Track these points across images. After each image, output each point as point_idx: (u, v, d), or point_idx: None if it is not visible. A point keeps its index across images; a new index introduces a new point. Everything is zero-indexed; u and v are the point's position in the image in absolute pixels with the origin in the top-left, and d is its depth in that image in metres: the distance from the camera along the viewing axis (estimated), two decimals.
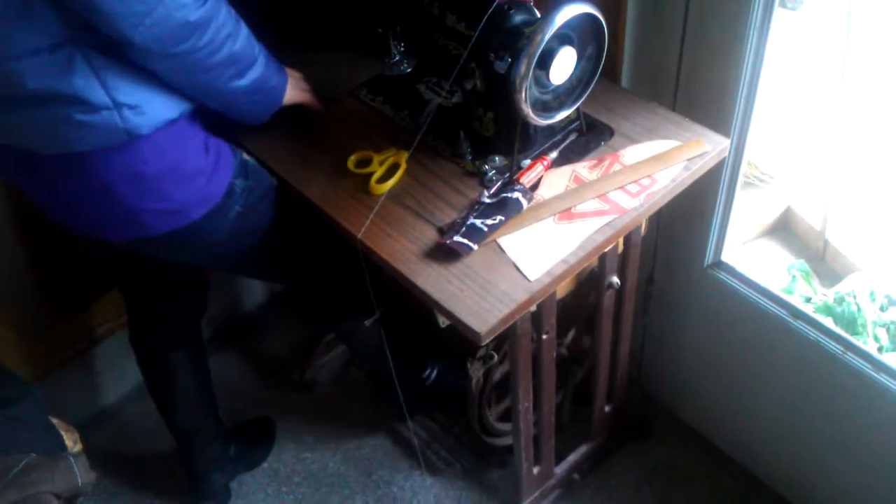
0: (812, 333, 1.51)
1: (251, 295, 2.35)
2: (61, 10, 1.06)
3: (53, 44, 1.08)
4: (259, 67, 1.27)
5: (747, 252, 2.25)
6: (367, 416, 2.09)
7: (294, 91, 1.39)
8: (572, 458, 1.87)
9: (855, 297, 1.87)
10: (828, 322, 1.56)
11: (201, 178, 1.27)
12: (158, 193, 1.24)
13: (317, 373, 2.17)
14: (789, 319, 1.54)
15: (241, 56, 1.22)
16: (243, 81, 1.25)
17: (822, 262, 2.19)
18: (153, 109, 1.18)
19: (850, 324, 1.83)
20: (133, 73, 1.15)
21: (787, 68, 2.31)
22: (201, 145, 1.27)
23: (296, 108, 1.42)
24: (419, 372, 1.98)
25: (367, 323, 1.67)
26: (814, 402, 1.60)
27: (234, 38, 1.19)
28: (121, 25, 1.07)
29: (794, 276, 1.99)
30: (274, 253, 1.49)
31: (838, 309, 1.87)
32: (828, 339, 1.50)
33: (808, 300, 1.94)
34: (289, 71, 1.39)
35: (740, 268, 1.63)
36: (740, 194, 1.57)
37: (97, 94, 1.12)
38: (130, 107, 1.15)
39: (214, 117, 1.31)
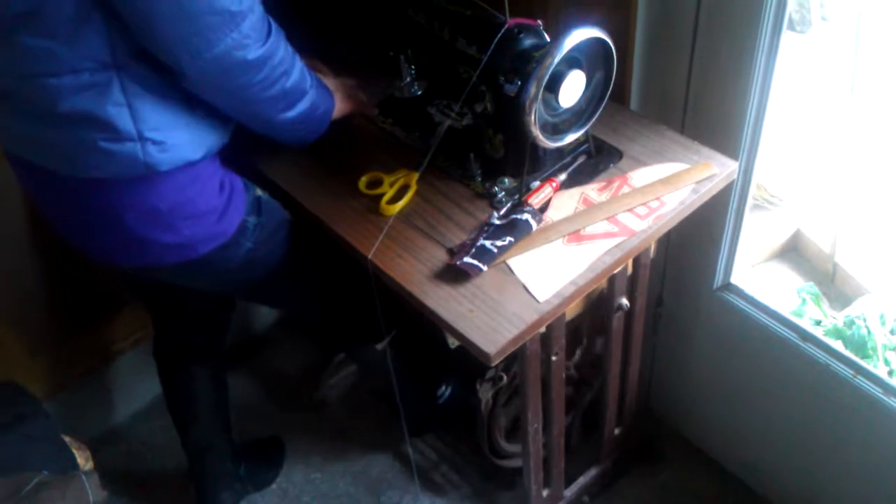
0: (821, 356, 1.51)
1: (262, 315, 2.36)
2: (117, 33, 1.07)
3: (96, 66, 1.08)
4: (308, 99, 1.28)
5: (758, 274, 2.25)
6: (377, 437, 2.09)
7: (343, 104, 1.41)
8: (582, 480, 1.87)
9: (865, 321, 1.87)
10: (837, 345, 1.56)
11: (213, 216, 1.27)
12: (168, 227, 1.24)
13: (327, 393, 2.18)
14: (798, 342, 1.54)
15: (293, 91, 1.24)
16: (292, 113, 1.27)
17: (832, 285, 2.18)
18: (178, 148, 1.18)
19: (860, 347, 1.83)
20: (166, 109, 1.15)
21: (797, 91, 2.32)
22: (217, 184, 1.28)
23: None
24: (433, 389, 1.98)
25: (379, 347, 1.67)
26: (823, 425, 1.60)
27: (287, 75, 1.21)
28: (179, 56, 1.08)
29: (803, 299, 1.99)
30: (285, 283, 1.49)
31: (848, 332, 1.87)
32: (837, 363, 1.50)
33: (818, 323, 1.94)
34: (340, 80, 1.43)
35: (750, 290, 1.63)
36: (750, 217, 1.58)
37: (125, 124, 1.12)
38: (155, 142, 1.15)
39: (231, 151, 1.32)
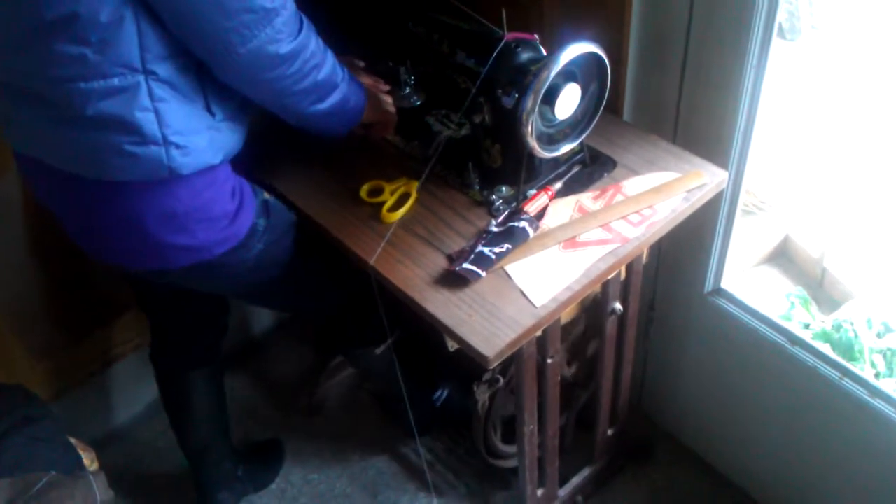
0: (809, 359, 1.55)
1: (259, 320, 2.38)
2: (148, 38, 1.09)
3: (126, 71, 1.10)
4: (340, 93, 1.31)
5: (749, 279, 2.28)
6: (374, 439, 2.12)
7: (374, 111, 1.45)
8: (576, 480, 1.90)
9: (852, 324, 1.90)
10: (825, 348, 1.59)
11: (225, 220, 1.30)
12: (184, 230, 1.26)
13: (324, 396, 2.20)
14: (787, 346, 1.57)
15: (324, 84, 1.27)
16: (324, 105, 1.30)
17: (820, 289, 2.22)
18: (199, 152, 1.20)
19: (848, 350, 1.86)
20: (189, 114, 1.18)
21: (786, 97, 2.36)
22: (230, 189, 1.30)
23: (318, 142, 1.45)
24: (430, 392, 2.02)
25: (378, 351, 1.70)
26: (811, 427, 1.63)
27: (319, 68, 1.24)
28: (214, 51, 1.12)
29: (792, 304, 2.03)
30: (294, 284, 1.51)
31: (836, 335, 1.90)
32: (825, 365, 1.53)
33: (807, 326, 1.97)
34: (373, 85, 1.46)
35: (739, 295, 1.66)
36: (740, 222, 1.61)
37: (151, 128, 1.14)
38: (178, 146, 1.17)
39: (239, 157, 1.34)
